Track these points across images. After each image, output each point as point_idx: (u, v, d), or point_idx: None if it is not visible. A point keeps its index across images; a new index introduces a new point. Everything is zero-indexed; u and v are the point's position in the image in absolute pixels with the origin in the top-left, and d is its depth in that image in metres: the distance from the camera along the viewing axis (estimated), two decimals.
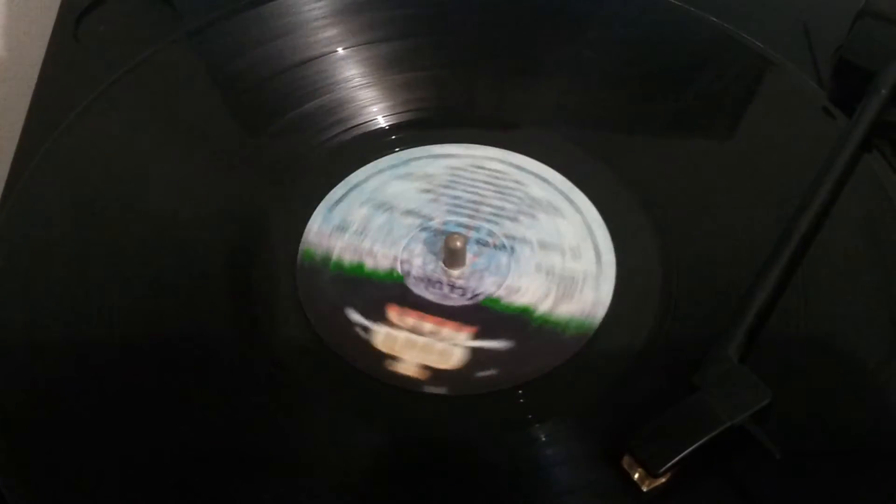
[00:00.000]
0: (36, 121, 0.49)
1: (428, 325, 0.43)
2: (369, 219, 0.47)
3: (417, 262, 0.45)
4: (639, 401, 0.40)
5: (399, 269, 0.45)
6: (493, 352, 0.42)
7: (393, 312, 0.44)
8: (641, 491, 0.37)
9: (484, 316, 0.44)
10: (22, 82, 0.54)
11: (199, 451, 0.40)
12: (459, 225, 0.47)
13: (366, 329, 0.43)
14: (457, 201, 0.48)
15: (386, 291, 0.45)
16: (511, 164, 0.49)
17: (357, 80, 0.51)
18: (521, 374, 0.42)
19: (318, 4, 0.53)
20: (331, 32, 0.52)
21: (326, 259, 0.46)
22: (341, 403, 0.41)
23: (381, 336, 0.43)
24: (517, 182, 0.48)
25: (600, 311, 0.43)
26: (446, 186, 0.48)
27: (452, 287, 0.45)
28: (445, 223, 0.47)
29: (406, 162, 0.49)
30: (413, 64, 0.52)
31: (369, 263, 0.46)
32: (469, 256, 0.45)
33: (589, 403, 0.41)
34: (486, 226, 0.47)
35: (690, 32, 0.53)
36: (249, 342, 0.43)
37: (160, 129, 0.49)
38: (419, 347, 0.43)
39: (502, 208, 0.47)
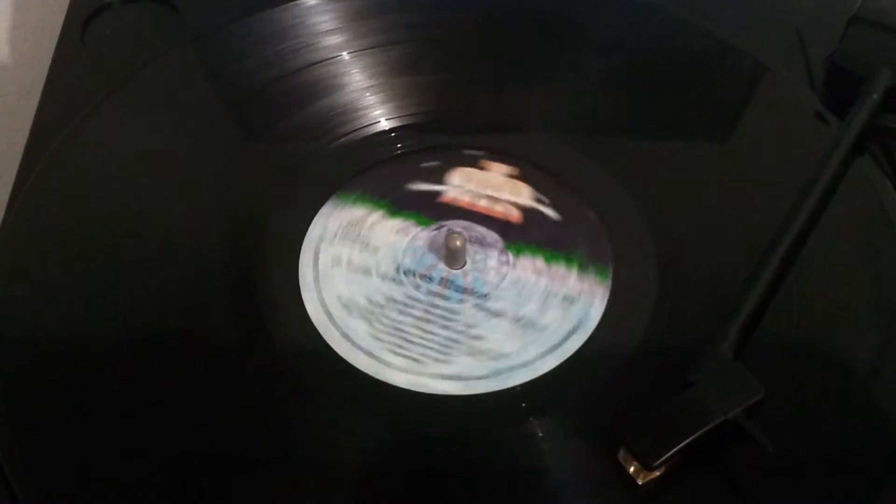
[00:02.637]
0: (43, 124, 0.49)
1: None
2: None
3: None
4: (634, 396, 0.41)
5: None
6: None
7: None
8: (636, 484, 0.38)
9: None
10: (29, 86, 0.55)
11: (199, 447, 0.40)
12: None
13: None
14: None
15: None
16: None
17: (360, 84, 0.52)
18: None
19: (322, 10, 0.54)
20: (334, 37, 0.53)
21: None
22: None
23: None
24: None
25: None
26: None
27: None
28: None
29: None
30: (416, 68, 0.53)
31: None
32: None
33: (585, 399, 0.41)
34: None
35: (685, 39, 0.53)
36: (252, 339, 0.43)
37: (165, 132, 0.50)
38: None
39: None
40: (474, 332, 0.44)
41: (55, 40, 0.53)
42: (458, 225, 0.47)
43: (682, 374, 0.39)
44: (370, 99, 0.51)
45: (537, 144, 0.50)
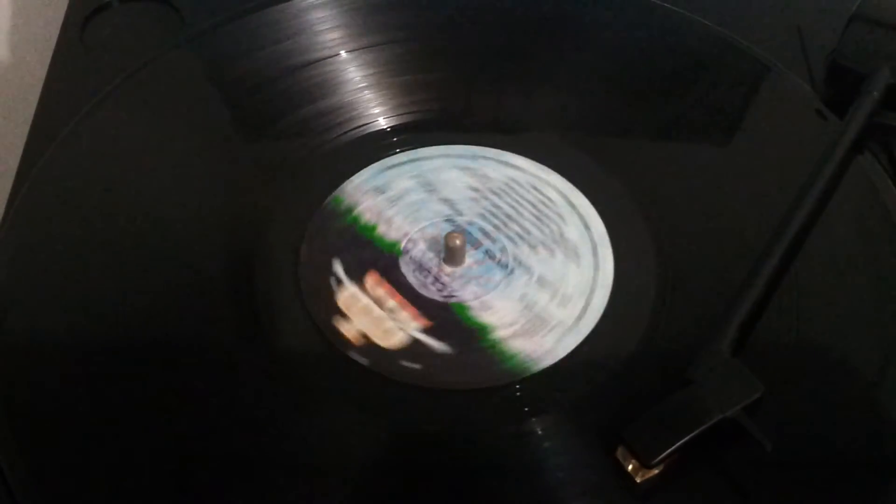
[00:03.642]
0: (42, 123, 0.49)
1: (392, 302, 0.44)
2: (408, 192, 0.48)
3: (421, 246, 0.46)
4: (634, 394, 0.41)
5: (402, 245, 0.46)
6: (430, 350, 0.43)
7: (371, 279, 0.45)
8: (635, 482, 0.38)
9: (445, 316, 0.44)
10: (28, 86, 0.55)
11: (199, 447, 0.40)
12: (482, 230, 0.47)
13: (339, 281, 0.45)
14: (494, 209, 0.48)
15: (378, 258, 0.46)
16: (565, 198, 0.48)
17: (359, 83, 0.52)
18: (440, 379, 0.42)
19: (320, 8, 0.54)
20: (333, 36, 0.53)
21: (349, 210, 0.47)
22: (277, 337, 0.43)
23: (347, 294, 0.44)
24: (559, 216, 0.48)
25: (546, 361, 0.43)
26: (494, 193, 0.48)
27: (437, 280, 0.45)
28: (471, 223, 0.47)
29: (475, 157, 0.50)
30: (415, 67, 0.53)
31: (381, 229, 0.47)
32: (469, 261, 0.46)
33: (584, 397, 0.41)
34: (504, 241, 0.47)
35: (685, 37, 0.53)
36: (251, 338, 0.43)
37: (165, 131, 0.50)
38: (371, 317, 0.44)
39: (529, 232, 0.47)
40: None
41: (54, 40, 0.53)
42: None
43: (681, 372, 0.39)
44: (369, 98, 0.52)
45: (537, 143, 0.50)
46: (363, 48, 0.53)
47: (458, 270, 0.46)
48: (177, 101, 0.51)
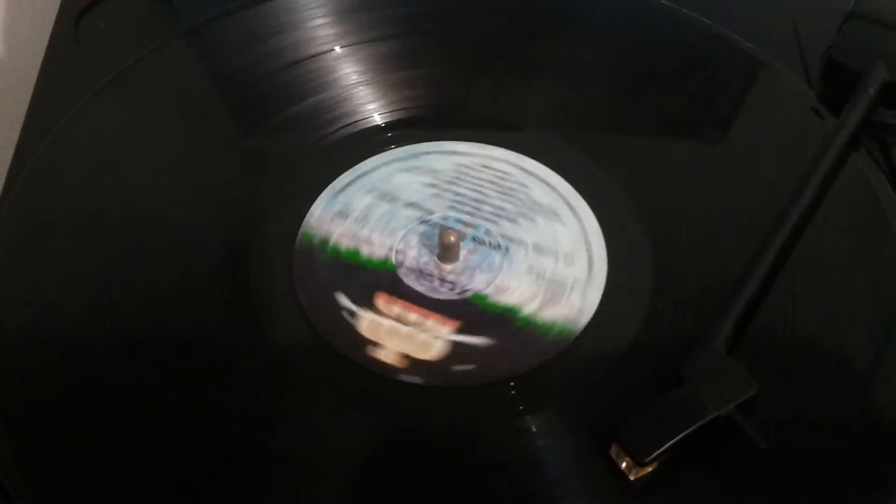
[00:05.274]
0: (36, 119, 0.49)
1: (413, 315, 0.44)
2: (371, 207, 0.48)
3: (412, 253, 0.46)
4: (628, 392, 0.41)
5: (393, 259, 0.46)
6: (473, 347, 0.43)
7: (381, 300, 0.44)
8: (629, 480, 0.38)
9: (469, 311, 0.44)
10: (22, 81, 0.54)
11: (199, 445, 0.40)
12: (458, 221, 0.47)
13: (352, 314, 0.44)
14: (459, 198, 0.48)
15: (377, 279, 0.45)
16: (517, 167, 0.49)
17: (354, 78, 0.52)
18: (498, 371, 0.42)
19: (316, 3, 0.54)
20: (328, 31, 0.53)
21: (324, 243, 0.46)
22: (321, 385, 0.42)
23: (366, 322, 0.44)
24: (521, 185, 0.48)
25: (584, 318, 0.44)
26: (451, 182, 0.49)
27: (443, 281, 0.45)
28: (445, 218, 0.47)
29: (415, 155, 0.50)
30: (410, 62, 0.53)
31: (365, 251, 0.46)
32: (463, 253, 0.46)
33: (578, 395, 0.41)
34: (485, 224, 0.47)
35: (681, 34, 0.53)
36: (245, 329, 0.43)
37: (159, 126, 0.50)
38: (402, 336, 0.43)
39: (503, 209, 0.48)
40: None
41: (49, 34, 0.53)
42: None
43: (675, 370, 0.39)
44: (364, 93, 0.52)
45: (532, 139, 0.50)
46: (358, 43, 0.53)
47: (458, 265, 0.46)
48: (171, 97, 0.51)
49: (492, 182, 0.49)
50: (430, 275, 0.45)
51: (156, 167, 0.48)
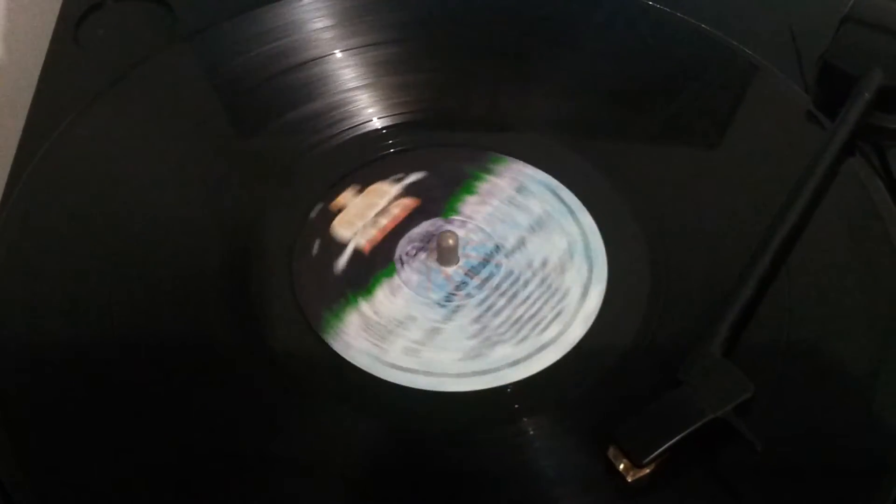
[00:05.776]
0: (36, 124, 0.49)
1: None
2: None
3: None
4: (625, 395, 0.41)
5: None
6: None
7: None
8: (626, 481, 0.38)
9: None
10: (22, 86, 0.55)
11: (198, 447, 0.40)
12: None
13: None
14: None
15: None
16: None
17: (353, 83, 0.52)
18: None
19: (315, 8, 0.54)
20: (327, 35, 0.53)
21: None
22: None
23: None
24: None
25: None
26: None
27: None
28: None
29: None
30: (409, 67, 0.53)
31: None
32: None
33: (576, 398, 0.41)
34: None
35: (678, 38, 0.54)
36: (246, 338, 0.43)
37: (158, 131, 0.50)
38: None
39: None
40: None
41: (48, 39, 0.53)
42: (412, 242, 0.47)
43: (672, 372, 0.39)
44: (362, 97, 0.52)
45: (530, 143, 0.50)
46: (358, 47, 0.53)
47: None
48: (171, 101, 0.51)
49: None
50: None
51: (155, 171, 0.48)
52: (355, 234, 0.47)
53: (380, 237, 0.47)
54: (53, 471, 0.39)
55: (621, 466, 0.38)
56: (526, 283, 0.45)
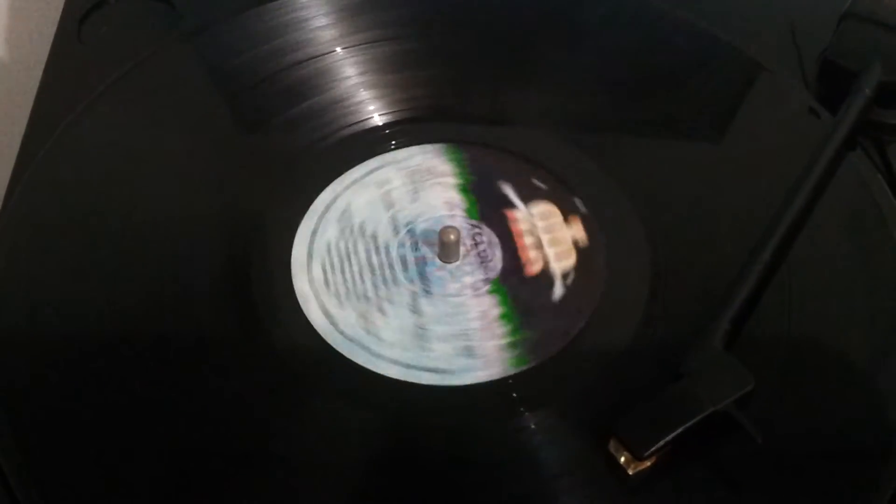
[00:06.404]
0: (39, 121, 0.49)
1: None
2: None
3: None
4: (626, 388, 0.41)
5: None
6: None
7: None
8: (627, 474, 0.38)
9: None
10: (25, 83, 0.55)
11: (197, 445, 0.40)
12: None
13: None
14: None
15: None
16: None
17: (354, 79, 0.52)
18: None
19: (316, 4, 0.54)
20: (328, 32, 0.53)
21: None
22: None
23: None
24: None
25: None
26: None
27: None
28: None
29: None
30: (410, 64, 0.53)
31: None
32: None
33: (577, 391, 0.42)
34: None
35: (679, 36, 0.53)
36: (248, 334, 0.44)
37: (161, 127, 0.50)
38: None
39: None
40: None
41: (51, 37, 0.53)
42: (488, 236, 0.47)
43: (673, 365, 0.39)
44: (364, 94, 0.52)
45: (532, 140, 0.50)
46: (359, 45, 0.53)
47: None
48: (173, 98, 0.51)
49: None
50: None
51: (158, 168, 0.49)
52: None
53: None
54: (56, 469, 0.39)
55: (622, 459, 0.38)
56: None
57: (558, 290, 0.45)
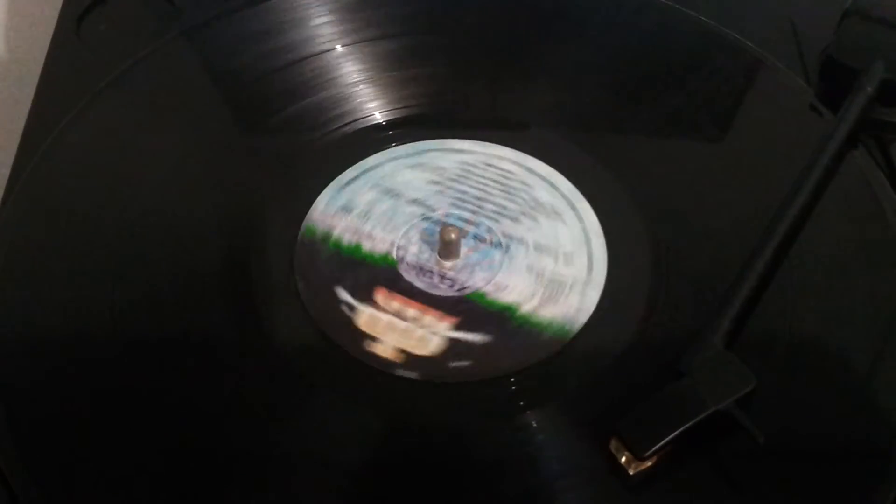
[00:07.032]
0: (38, 119, 0.49)
1: (411, 310, 0.44)
2: (375, 203, 0.48)
3: (413, 249, 0.46)
4: (627, 387, 0.41)
5: (394, 255, 0.46)
6: (470, 344, 0.43)
7: (380, 295, 0.45)
8: (628, 474, 0.38)
9: (468, 308, 0.44)
10: (24, 81, 0.55)
11: (200, 444, 0.40)
12: (461, 219, 0.47)
13: (351, 308, 0.44)
14: (463, 196, 0.48)
15: (378, 274, 0.45)
16: (521, 166, 0.49)
17: (354, 77, 0.52)
18: (494, 367, 0.42)
19: (317, 2, 0.54)
20: (329, 30, 0.53)
21: (326, 237, 0.47)
22: (317, 378, 0.42)
23: (365, 316, 0.44)
24: (524, 184, 0.48)
25: (582, 317, 0.44)
26: (454, 180, 0.49)
27: (443, 277, 0.45)
28: (447, 215, 0.47)
29: (421, 153, 0.50)
30: (410, 61, 0.53)
31: (367, 246, 0.46)
32: (464, 250, 0.46)
33: (578, 390, 0.42)
34: (487, 222, 0.47)
35: (680, 32, 0.54)
36: (248, 332, 0.44)
37: (161, 125, 0.50)
38: (399, 331, 0.43)
39: (505, 207, 0.48)
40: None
41: (50, 34, 0.53)
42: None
43: (674, 365, 0.39)
44: (364, 92, 0.52)
45: (533, 138, 0.50)
46: (359, 42, 0.53)
47: (458, 262, 0.46)
48: (173, 96, 0.51)
49: (495, 181, 0.49)
50: (431, 271, 0.45)
51: (158, 165, 0.48)
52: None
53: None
54: (56, 468, 0.39)
55: (623, 459, 0.38)
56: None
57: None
